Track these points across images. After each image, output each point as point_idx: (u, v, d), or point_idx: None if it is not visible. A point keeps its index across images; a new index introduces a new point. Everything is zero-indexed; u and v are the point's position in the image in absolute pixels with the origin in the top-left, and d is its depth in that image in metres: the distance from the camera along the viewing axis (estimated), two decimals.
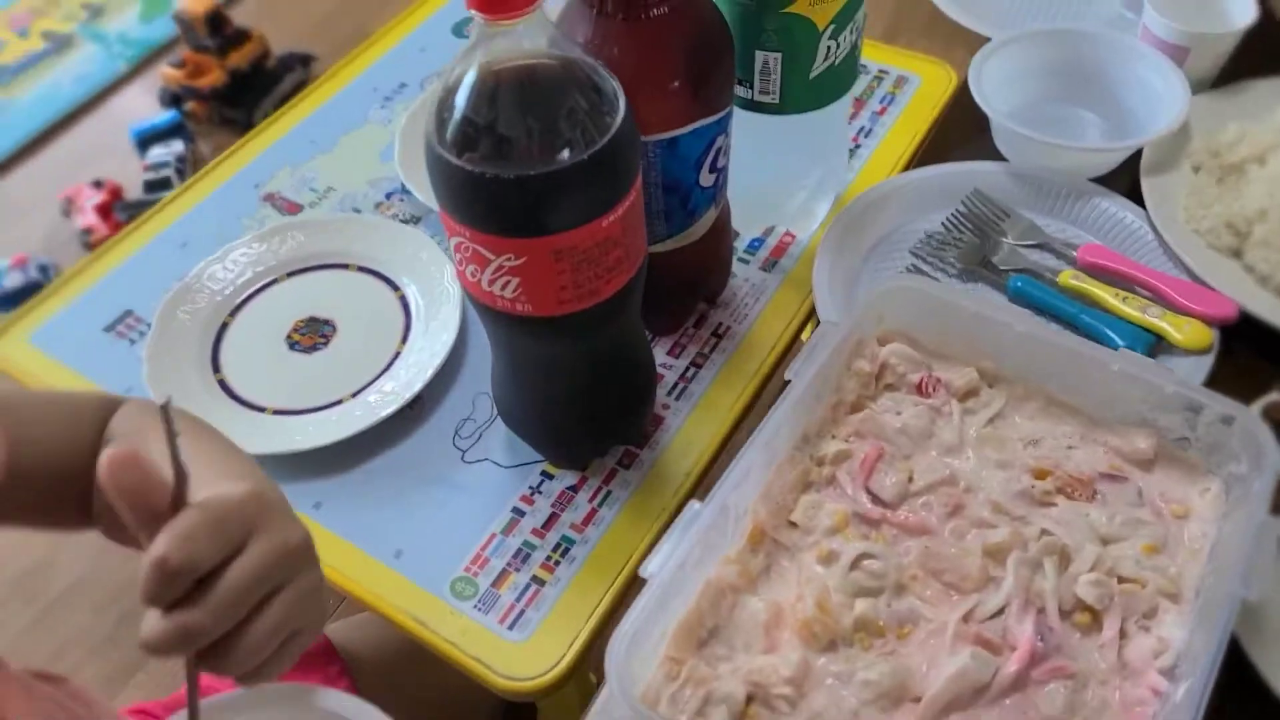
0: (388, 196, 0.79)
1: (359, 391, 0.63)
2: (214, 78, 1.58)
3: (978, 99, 0.68)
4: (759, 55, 0.59)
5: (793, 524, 0.46)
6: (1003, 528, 0.44)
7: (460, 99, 0.42)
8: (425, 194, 0.74)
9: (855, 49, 0.61)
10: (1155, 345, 0.59)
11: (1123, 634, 0.41)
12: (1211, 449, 0.45)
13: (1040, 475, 0.46)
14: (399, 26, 0.93)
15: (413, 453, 0.61)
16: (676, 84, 0.51)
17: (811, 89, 0.61)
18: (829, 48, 0.59)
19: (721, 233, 0.64)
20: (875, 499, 0.46)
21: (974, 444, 0.48)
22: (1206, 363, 0.57)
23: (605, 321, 0.50)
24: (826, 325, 0.48)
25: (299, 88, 1.43)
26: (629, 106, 0.45)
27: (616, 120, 0.44)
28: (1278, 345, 0.57)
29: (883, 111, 0.81)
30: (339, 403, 0.63)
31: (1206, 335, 0.57)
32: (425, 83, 0.88)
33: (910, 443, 0.48)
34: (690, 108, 0.53)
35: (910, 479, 0.46)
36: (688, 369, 0.65)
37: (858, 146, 0.79)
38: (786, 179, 0.69)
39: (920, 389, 0.49)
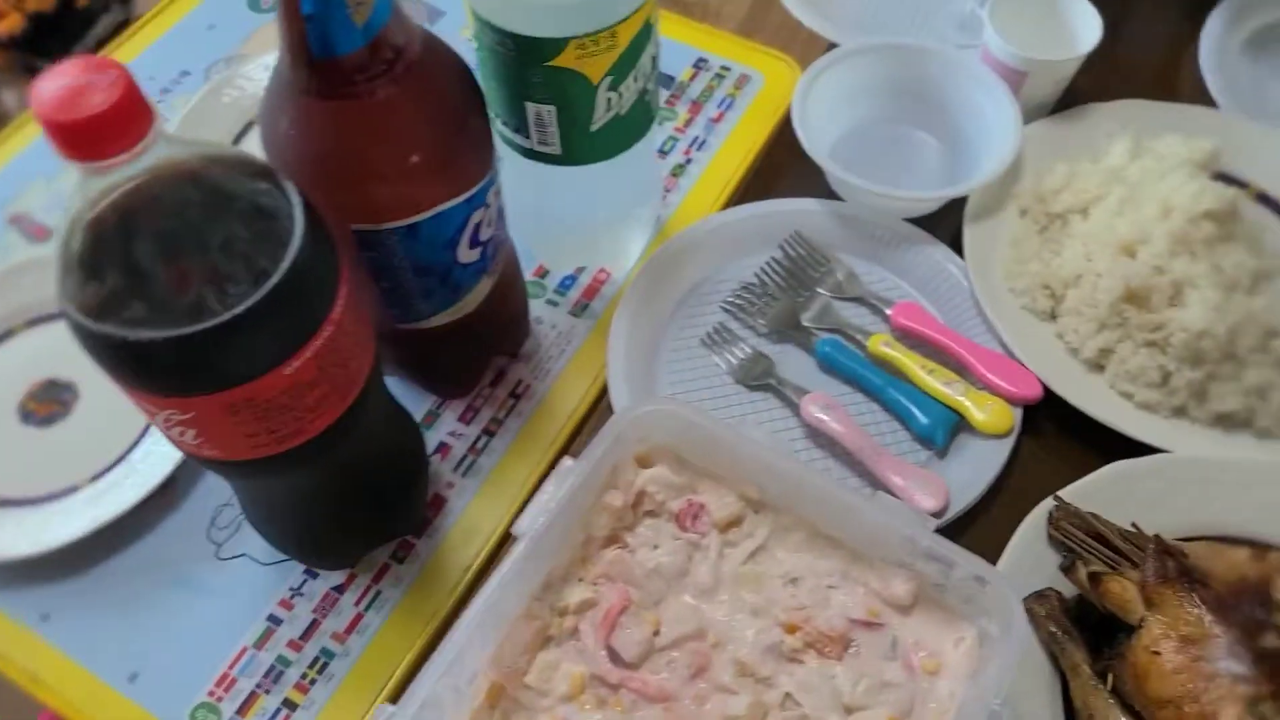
0: None
1: (102, 473, 0.57)
2: (10, 23, 1.40)
3: (800, 134, 0.62)
4: (530, 106, 0.52)
5: (528, 685, 0.42)
6: (744, 695, 0.41)
7: (76, 246, 0.35)
8: None
9: (645, 97, 0.54)
10: (958, 424, 0.56)
11: None
12: (967, 599, 0.42)
13: (791, 629, 0.43)
14: (180, 1, 0.82)
15: (160, 547, 0.56)
16: (408, 169, 0.44)
17: (596, 141, 0.54)
18: (609, 100, 0.52)
19: (507, 293, 0.58)
20: (616, 657, 0.43)
21: (730, 584, 0.44)
22: (1006, 446, 0.54)
23: (322, 452, 0.44)
24: (564, 468, 0.43)
25: (119, 29, 1.28)
26: (312, 227, 0.38)
27: (290, 250, 0.37)
28: (1083, 421, 0.55)
29: (719, 118, 0.74)
30: (75, 489, 0.56)
31: (1008, 418, 0.54)
32: (211, 70, 0.78)
33: (663, 585, 0.44)
34: (430, 192, 0.46)
35: (656, 632, 0.43)
36: (479, 438, 0.60)
37: (689, 160, 0.72)
38: (595, 216, 0.62)
39: (680, 520, 0.46)
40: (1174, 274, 0.52)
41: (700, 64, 0.78)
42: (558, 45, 0.48)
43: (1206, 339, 0.51)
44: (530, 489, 0.58)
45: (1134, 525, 0.46)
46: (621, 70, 0.51)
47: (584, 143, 0.54)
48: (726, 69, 0.77)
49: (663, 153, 0.72)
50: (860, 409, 0.57)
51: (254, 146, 0.72)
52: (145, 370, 0.36)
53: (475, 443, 0.60)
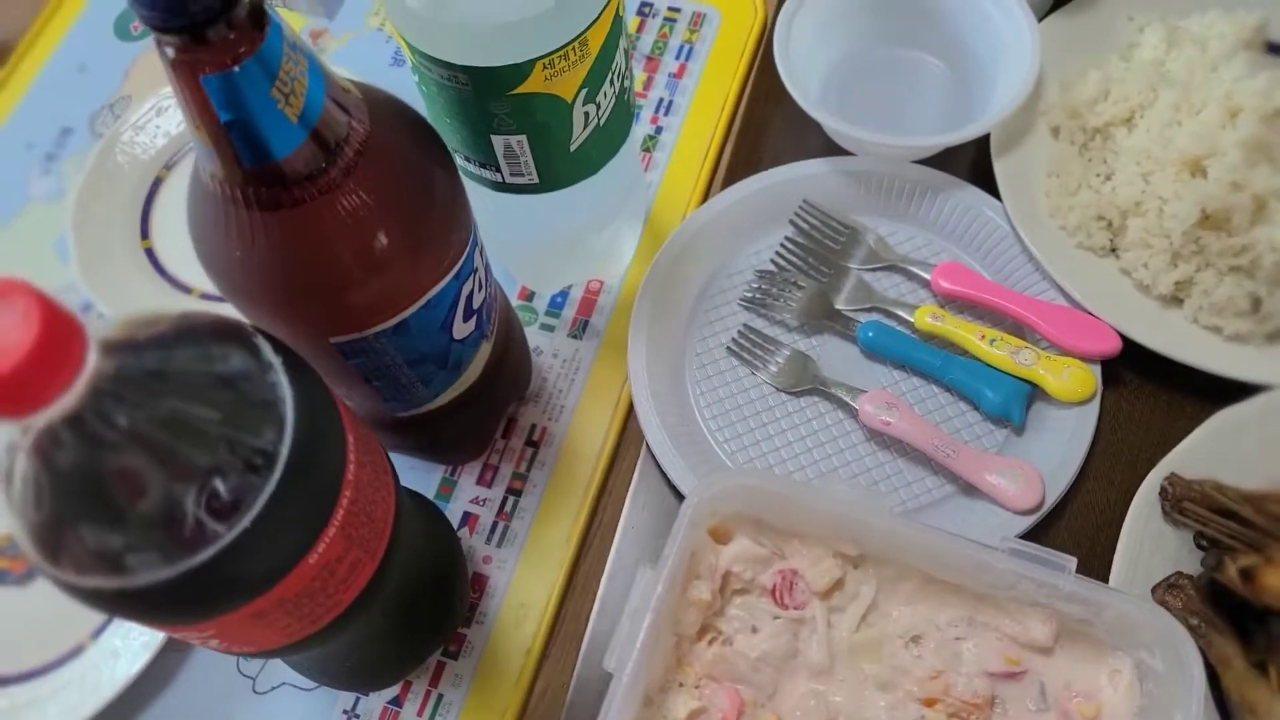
0: (84, 311, 0.61)
1: (104, 625, 0.50)
2: None
3: (786, 81, 0.54)
4: (497, 140, 0.43)
5: None
6: None
7: (23, 491, 0.27)
8: (121, 307, 0.57)
9: (624, 96, 0.46)
10: (1033, 393, 0.50)
11: None
12: (1117, 631, 0.37)
13: (930, 703, 0.38)
14: (40, 43, 0.70)
15: (190, 692, 0.49)
16: (385, 266, 0.36)
17: (576, 160, 0.46)
18: (587, 114, 0.43)
19: (507, 344, 0.50)
20: None
21: (848, 657, 0.39)
22: (1091, 412, 0.49)
23: (361, 611, 0.37)
24: (642, 582, 0.37)
25: None
26: (301, 386, 0.31)
27: (286, 424, 0.30)
28: (1171, 366, 0.49)
29: (681, 72, 0.66)
30: (81, 650, 0.49)
31: (1089, 381, 0.49)
32: (96, 122, 0.67)
33: (773, 673, 0.39)
34: (414, 282, 0.38)
35: None
36: (505, 500, 0.54)
37: (659, 130, 0.64)
38: (578, 229, 0.54)
39: (775, 595, 0.40)
40: (1255, 188, 0.46)
41: (645, 9, 0.68)
42: (521, 71, 0.39)
43: None
44: (576, 545, 0.52)
45: (1257, 499, 0.41)
46: (597, 79, 0.42)
47: (563, 166, 0.46)
48: (676, 10, 0.68)
49: None
50: (921, 394, 0.52)
51: (166, 208, 0.64)
52: (154, 611, 0.30)
53: (502, 506, 0.54)
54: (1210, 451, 0.45)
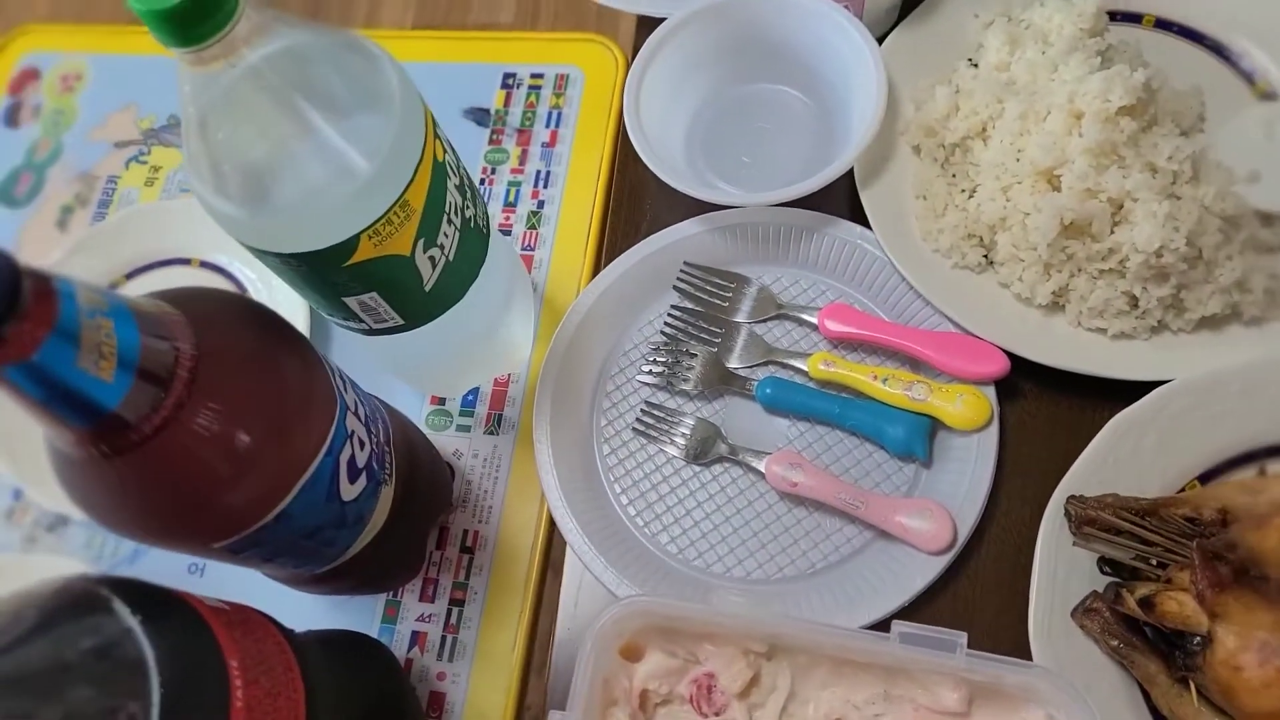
0: None
1: None
2: None
3: (640, 149, 0.54)
4: (349, 300, 0.44)
5: None
6: None
7: None
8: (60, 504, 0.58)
9: (471, 224, 0.46)
10: (933, 425, 0.50)
11: None
12: (1023, 688, 0.38)
13: None
14: None
15: None
16: (251, 471, 0.37)
17: (436, 296, 0.46)
18: (432, 258, 0.44)
19: (414, 469, 0.51)
20: None
21: None
22: (991, 436, 0.49)
23: None
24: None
25: None
26: (173, 653, 0.31)
27: (153, 708, 0.30)
28: (1062, 375, 0.49)
29: (553, 140, 0.65)
30: None
31: (983, 408, 0.49)
32: None
33: None
34: (284, 476, 0.39)
35: None
36: (450, 611, 0.55)
37: (541, 205, 0.64)
38: (470, 341, 0.54)
39: (695, 703, 0.41)
40: (1109, 192, 0.46)
41: (509, 80, 0.68)
42: (348, 246, 0.39)
43: (1166, 253, 0.45)
44: (524, 650, 0.53)
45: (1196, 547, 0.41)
46: (431, 227, 0.42)
47: (423, 305, 0.46)
48: (539, 76, 0.68)
49: (510, 206, 0.64)
50: (827, 442, 0.52)
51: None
52: None
53: (448, 619, 0.55)
54: (1112, 458, 0.46)
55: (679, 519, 0.52)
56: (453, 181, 0.44)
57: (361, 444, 0.44)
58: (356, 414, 0.44)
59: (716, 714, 0.41)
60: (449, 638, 0.54)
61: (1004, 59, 0.53)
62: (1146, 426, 0.46)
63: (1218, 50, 0.56)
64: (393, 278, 0.43)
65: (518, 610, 0.54)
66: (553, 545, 0.55)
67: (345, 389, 0.43)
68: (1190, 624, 0.39)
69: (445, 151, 0.43)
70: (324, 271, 0.41)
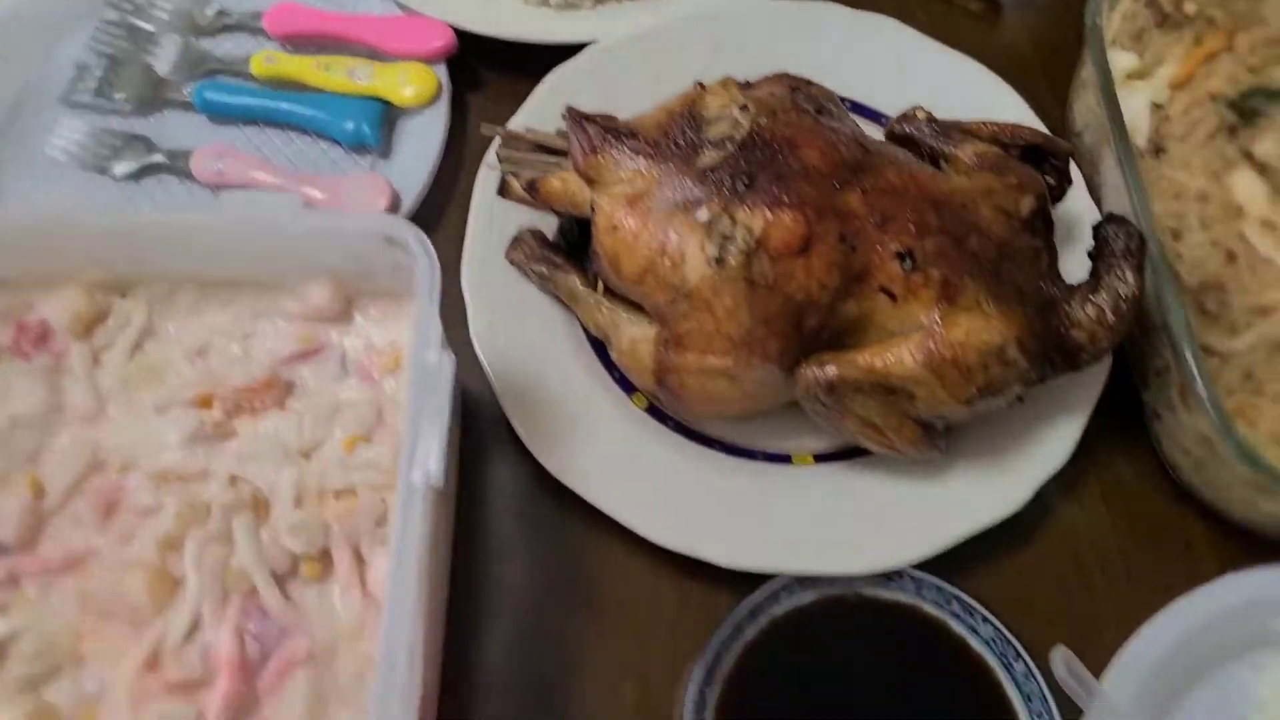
0: None
1: None
2: None
3: None
4: None
5: None
6: (169, 505, 0.32)
7: None
8: None
9: None
10: (384, 111, 0.47)
11: (361, 560, 0.32)
12: (399, 267, 0.34)
13: (204, 403, 0.33)
14: None
15: None
16: None
17: None
18: None
19: None
20: None
21: (121, 392, 0.34)
22: (440, 113, 0.46)
23: None
24: None
25: None
26: None
27: None
28: (512, 48, 0.47)
29: None
30: None
31: (429, 81, 0.46)
32: None
33: (36, 435, 0.33)
34: None
35: (40, 493, 0.32)
36: None
37: None
38: None
39: (18, 349, 0.34)
40: None
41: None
42: None
43: None
44: None
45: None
46: None
47: None
48: None
49: None
50: (277, 144, 0.47)
51: None
52: None
53: None
54: (545, 108, 0.44)
55: None
56: None
57: None
58: None
59: (52, 356, 0.34)
60: None
61: None
62: (581, 79, 0.45)
63: None
64: None
65: None
66: None
67: None
68: (575, 199, 0.38)
69: None
70: None
